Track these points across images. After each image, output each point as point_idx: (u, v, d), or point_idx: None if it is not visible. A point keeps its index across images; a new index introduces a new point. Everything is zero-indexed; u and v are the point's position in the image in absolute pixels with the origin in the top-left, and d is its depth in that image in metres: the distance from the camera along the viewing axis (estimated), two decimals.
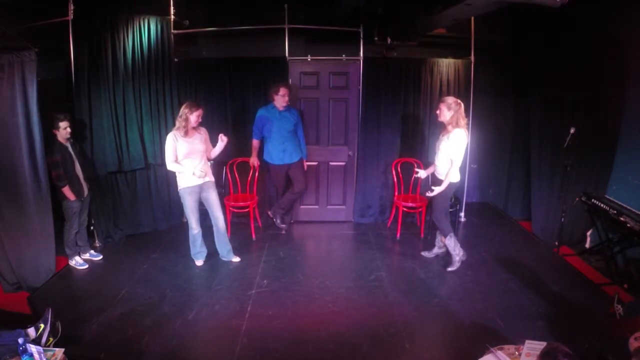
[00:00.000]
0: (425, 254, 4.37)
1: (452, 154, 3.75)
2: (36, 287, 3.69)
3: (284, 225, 5.00)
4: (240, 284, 3.81)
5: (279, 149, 4.63)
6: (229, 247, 4.22)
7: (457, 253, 4.01)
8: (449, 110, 3.74)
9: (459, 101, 3.77)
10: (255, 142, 4.75)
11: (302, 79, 5.04)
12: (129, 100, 4.50)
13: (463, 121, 3.75)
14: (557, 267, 4.16)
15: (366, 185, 5.30)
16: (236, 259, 4.26)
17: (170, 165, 3.82)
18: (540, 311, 3.34)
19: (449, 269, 4.02)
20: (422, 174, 4.12)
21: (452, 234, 3.99)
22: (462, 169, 3.93)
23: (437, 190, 3.82)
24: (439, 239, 4.26)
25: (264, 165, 4.87)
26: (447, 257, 4.16)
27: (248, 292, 3.66)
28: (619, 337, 2.24)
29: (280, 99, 4.49)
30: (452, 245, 3.99)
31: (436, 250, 4.32)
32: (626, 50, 3.89)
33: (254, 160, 4.82)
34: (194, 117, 3.78)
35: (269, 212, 5.03)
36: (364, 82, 4.98)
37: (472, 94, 5.14)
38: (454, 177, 3.82)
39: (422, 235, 4.93)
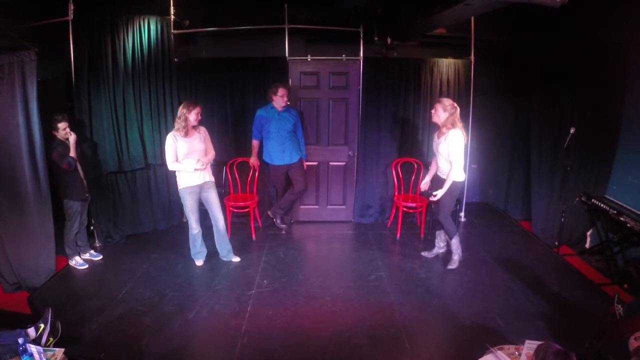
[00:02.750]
0: (425, 254, 4.37)
1: (451, 154, 3.72)
2: (36, 287, 3.69)
3: (284, 226, 5.00)
4: (240, 284, 3.81)
5: (278, 149, 4.63)
6: (229, 247, 4.23)
7: (459, 253, 4.02)
8: (444, 111, 3.72)
9: (455, 105, 3.75)
10: (254, 143, 4.75)
11: (302, 79, 5.04)
12: (129, 100, 4.50)
13: (459, 124, 3.72)
14: (557, 267, 4.16)
15: (366, 185, 5.30)
16: (236, 259, 4.26)
17: (171, 165, 3.82)
18: (540, 311, 3.34)
19: (449, 266, 4.04)
20: (423, 186, 4.13)
21: (457, 234, 3.99)
22: (463, 169, 3.92)
23: (439, 194, 3.77)
24: (438, 239, 4.26)
25: (264, 165, 4.87)
26: (447, 256, 4.16)
27: (248, 292, 3.66)
28: (619, 337, 2.24)
29: (279, 100, 4.48)
30: (456, 245, 4.00)
31: (436, 250, 4.32)
32: (626, 51, 3.89)
33: (253, 161, 4.82)
34: (193, 116, 3.78)
35: (269, 212, 5.03)
36: (364, 82, 4.98)
37: (472, 94, 5.15)
38: (458, 176, 3.79)
39: (422, 235, 4.93)
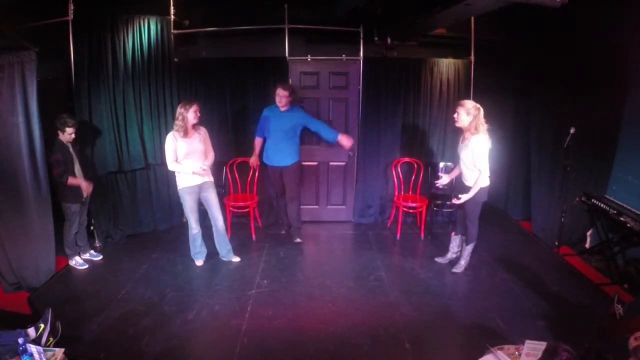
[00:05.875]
0: (439, 259, 4.25)
1: (477, 162, 3.58)
2: (36, 287, 3.70)
3: (300, 240, 4.81)
4: (240, 284, 3.81)
5: (272, 149, 4.57)
6: (229, 247, 4.23)
7: (468, 260, 4.00)
8: (468, 115, 3.56)
9: (478, 106, 3.57)
10: (257, 140, 4.71)
11: (302, 79, 5.04)
12: (129, 100, 4.50)
13: (483, 127, 3.55)
14: (557, 267, 4.16)
15: (366, 185, 5.30)
16: (236, 259, 4.26)
17: (171, 166, 3.82)
18: (540, 311, 3.35)
19: (454, 270, 4.02)
20: (444, 179, 3.96)
21: (475, 242, 3.92)
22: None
23: (464, 198, 3.65)
24: (454, 243, 4.16)
25: (264, 165, 4.86)
26: (456, 260, 4.12)
27: (248, 292, 3.66)
28: (619, 337, 2.24)
29: (277, 99, 4.47)
30: (469, 251, 3.96)
31: (450, 255, 4.21)
32: (626, 50, 3.89)
33: (253, 160, 4.80)
34: (191, 114, 3.77)
35: (283, 232, 4.94)
36: (364, 82, 4.99)
37: (472, 94, 5.14)
38: (484, 182, 3.70)
39: (422, 235, 4.93)
